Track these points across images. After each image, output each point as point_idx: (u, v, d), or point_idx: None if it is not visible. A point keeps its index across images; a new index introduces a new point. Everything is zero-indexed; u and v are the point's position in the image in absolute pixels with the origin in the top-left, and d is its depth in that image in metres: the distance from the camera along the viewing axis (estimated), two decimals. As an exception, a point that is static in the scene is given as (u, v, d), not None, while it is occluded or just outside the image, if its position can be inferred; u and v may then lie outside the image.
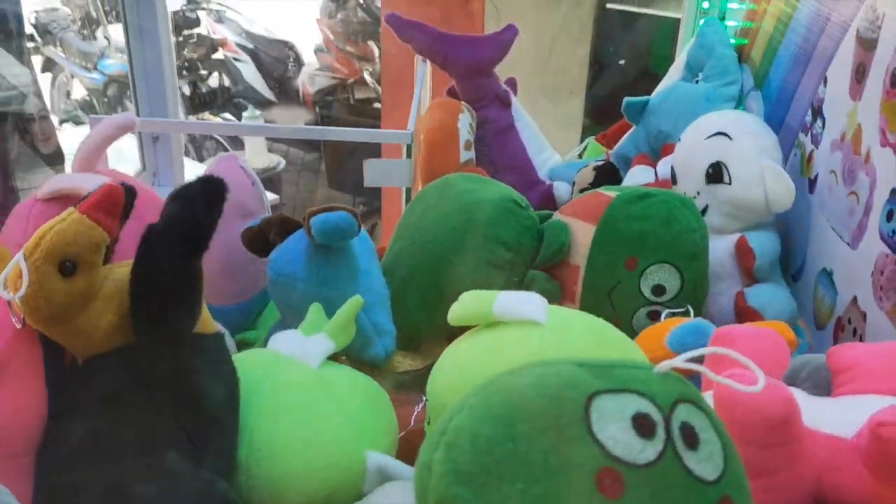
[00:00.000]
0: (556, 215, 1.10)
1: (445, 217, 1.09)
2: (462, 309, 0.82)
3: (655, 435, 0.47)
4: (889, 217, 0.87)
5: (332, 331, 0.92)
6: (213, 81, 5.44)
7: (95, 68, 5.69)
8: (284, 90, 5.62)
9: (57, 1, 5.94)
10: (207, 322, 0.81)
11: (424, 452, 0.48)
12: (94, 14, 5.77)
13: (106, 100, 5.77)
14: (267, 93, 5.60)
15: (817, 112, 1.08)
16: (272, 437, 0.81)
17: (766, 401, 0.64)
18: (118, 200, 0.74)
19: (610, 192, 1.04)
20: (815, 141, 1.08)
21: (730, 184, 1.07)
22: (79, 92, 5.92)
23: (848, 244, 0.96)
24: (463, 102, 1.48)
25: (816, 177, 1.07)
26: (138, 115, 1.67)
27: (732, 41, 1.44)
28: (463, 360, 0.80)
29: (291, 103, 5.40)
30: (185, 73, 5.26)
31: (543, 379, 0.49)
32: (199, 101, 5.28)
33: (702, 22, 1.47)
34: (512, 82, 1.56)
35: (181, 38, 5.24)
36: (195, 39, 5.36)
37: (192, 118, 4.92)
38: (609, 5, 3.61)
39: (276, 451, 0.80)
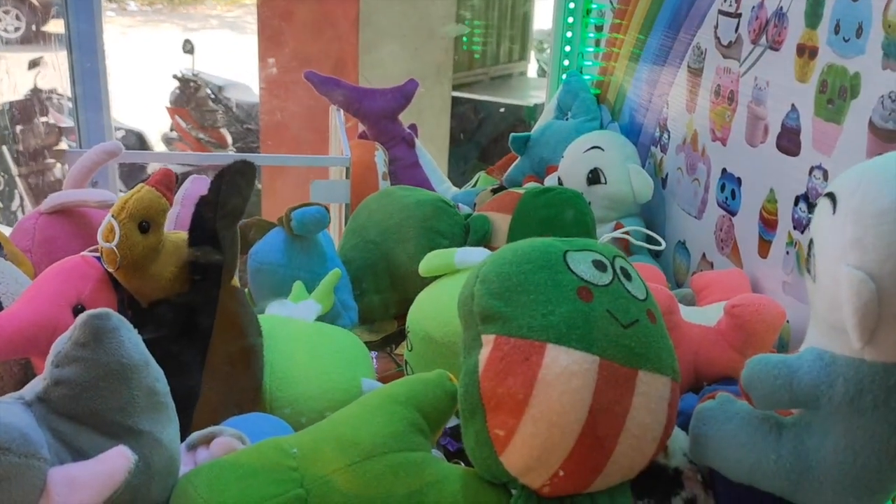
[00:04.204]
0: (477, 211, 1.39)
1: (389, 217, 1.36)
2: (430, 262, 1.09)
3: (607, 270, 0.76)
4: (722, 189, 1.22)
5: (319, 296, 1.16)
6: (59, 171, 5.42)
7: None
8: (134, 178, 5.66)
9: None
10: (234, 279, 1.03)
11: (465, 288, 0.75)
12: None
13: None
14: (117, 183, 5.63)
15: (663, 128, 1.44)
16: (289, 369, 1.03)
17: (658, 296, 0.95)
18: (172, 180, 0.97)
19: (519, 190, 1.34)
20: (664, 150, 1.44)
21: (605, 183, 1.41)
22: None
23: (695, 217, 1.31)
24: (376, 143, 1.76)
25: (667, 176, 1.43)
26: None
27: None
28: (435, 297, 1.06)
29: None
30: (31, 162, 5.25)
31: (535, 244, 0.77)
32: (44, 193, 5.24)
33: (564, 76, 1.85)
34: (414, 127, 1.87)
35: (23, 128, 5.21)
36: (42, 128, 5.34)
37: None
38: (454, 93, 4.12)
39: (292, 379, 1.02)
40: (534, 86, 5.22)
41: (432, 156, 1.89)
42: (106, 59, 1.79)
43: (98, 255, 0.94)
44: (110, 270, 0.91)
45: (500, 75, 5.13)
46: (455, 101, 4.02)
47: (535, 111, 4.17)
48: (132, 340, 0.71)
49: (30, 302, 0.88)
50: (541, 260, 0.74)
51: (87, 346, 0.67)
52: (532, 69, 5.92)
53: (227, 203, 0.97)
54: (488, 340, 0.72)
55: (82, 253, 0.96)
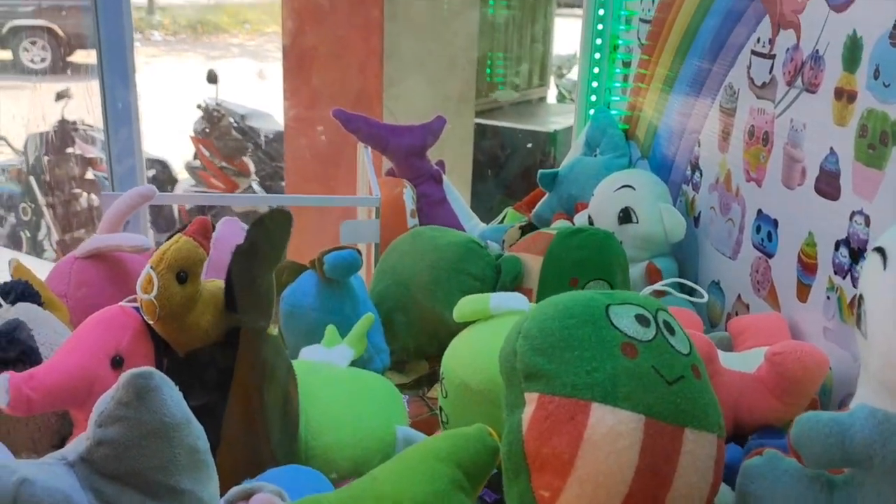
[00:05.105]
0: (508, 252, 1.38)
1: (420, 259, 1.35)
2: (464, 308, 1.08)
3: (650, 325, 0.75)
4: (758, 230, 1.21)
5: (352, 341, 1.16)
6: (85, 201, 5.45)
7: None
8: (160, 210, 5.69)
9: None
10: (271, 327, 1.03)
11: (507, 343, 0.74)
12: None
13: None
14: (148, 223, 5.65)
15: (695, 166, 1.43)
16: (324, 417, 1.02)
17: (697, 343, 0.93)
18: (209, 229, 0.97)
19: (550, 231, 1.34)
20: (696, 188, 1.43)
21: (637, 223, 1.40)
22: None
23: (729, 258, 1.29)
24: (404, 180, 1.76)
25: (699, 214, 1.42)
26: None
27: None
28: (470, 344, 1.06)
29: (167, 222, 5.38)
30: (57, 193, 5.29)
31: (576, 298, 0.76)
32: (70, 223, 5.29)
33: (591, 111, 1.84)
34: (441, 164, 1.87)
35: (51, 159, 5.27)
36: (76, 161, 5.38)
37: (66, 237, 5.03)
38: (477, 120, 4.14)
39: (327, 427, 1.02)
40: (554, 111, 5.23)
41: (455, 187, 1.88)
42: (138, 98, 1.82)
43: (136, 304, 0.95)
44: (150, 322, 0.92)
45: (520, 101, 5.15)
46: (477, 128, 4.02)
47: (556, 137, 4.17)
48: (174, 398, 0.70)
49: (69, 354, 0.88)
50: (584, 315, 0.74)
51: (129, 405, 0.67)
52: (552, 95, 5.94)
53: (264, 253, 0.97)
54: (532, 399, 0.71)
55: (121, 303, 0.96)
